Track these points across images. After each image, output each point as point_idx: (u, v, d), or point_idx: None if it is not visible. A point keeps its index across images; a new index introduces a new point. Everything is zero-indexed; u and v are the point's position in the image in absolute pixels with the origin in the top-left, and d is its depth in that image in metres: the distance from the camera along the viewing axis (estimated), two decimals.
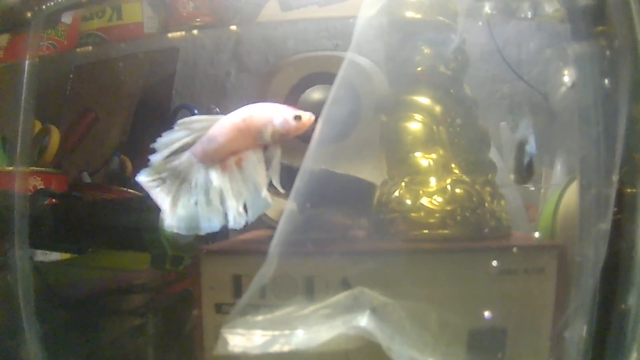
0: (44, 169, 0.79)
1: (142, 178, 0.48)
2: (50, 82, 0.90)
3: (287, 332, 0.43)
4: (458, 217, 0.57)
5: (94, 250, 0.63)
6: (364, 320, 0.42)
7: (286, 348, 0.42)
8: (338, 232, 0.54)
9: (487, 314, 0.54)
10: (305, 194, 0.52)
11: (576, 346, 0.50)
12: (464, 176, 0.59)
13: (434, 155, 0.59)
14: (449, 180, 0.58)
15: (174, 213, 0.47)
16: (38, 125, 0.82)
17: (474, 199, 0.58)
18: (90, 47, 0.82)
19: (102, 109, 0.88)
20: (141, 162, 0.84)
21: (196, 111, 0.75)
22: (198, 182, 0.49)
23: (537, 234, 0.68)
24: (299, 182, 0.49)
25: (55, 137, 0.80)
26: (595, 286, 0.45)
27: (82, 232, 0.62)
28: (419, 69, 0.62)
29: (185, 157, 0.49)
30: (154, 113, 0.87)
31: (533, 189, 0.70)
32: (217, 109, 0.75)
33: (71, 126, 0.84)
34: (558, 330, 0.53)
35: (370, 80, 0.69)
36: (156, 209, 0.53)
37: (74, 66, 0.89)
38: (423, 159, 0.59)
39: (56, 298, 0.62)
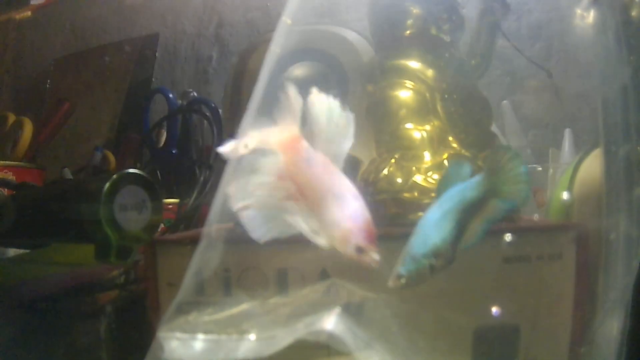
0: (15, 162, 0.66)
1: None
2: (31, 77, 0.78)
3: (235, 336, 0.30)
4: None
5: (44, 244, 0.50)
6: (330, 323, 0.28)
7: (231, 357, 0.29)
8: None
9: (494, 310, 0.40)
10: None
11: (605, 348, 0.36)
12: (462, 150, 0.45)
13: (427, 127, 0.46)
14: (445, 155, 0.45)
15: None
16: (12, 118, 0.70)
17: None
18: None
19: (85, 103, 0.76)
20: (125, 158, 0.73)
21: (171, 95, 0.62)
22: None
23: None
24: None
25: (28, 129, 0.68)
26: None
27: (29, 225, 0.48)
28: (408, 32, 0.49)
29: None
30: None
31: (540, 168, 0.56)
32: (194, 93, 0.62)
33: (45, 117, 0.71)
34: (580, 328, 0.39)
35: (357, 54, 0.57)
36: (97, 195, 0.40)
37: (53, 59, 0.77)
38: (415, 132, 0.46)
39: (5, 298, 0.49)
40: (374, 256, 0.31)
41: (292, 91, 0.32)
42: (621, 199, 0.33)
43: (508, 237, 0.41)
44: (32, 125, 0.69)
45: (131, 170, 0.43)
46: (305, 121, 0.32)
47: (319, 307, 0.30)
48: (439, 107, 0.47)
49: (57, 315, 0.50)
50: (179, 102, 0.64)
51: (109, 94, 0.76)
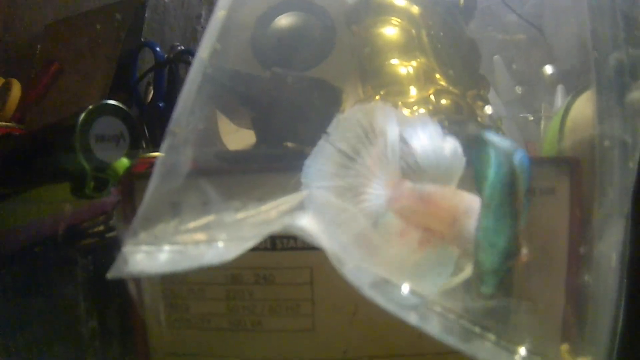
0: (3, 123, 0.64)
1: None
2: (21, 43, 0.76)
3: (202, 245, 0.27)
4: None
5: (23, 190, 0.48)
6: (304, 219, 0.26)
7: (196, 263, 0.26)
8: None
9: None
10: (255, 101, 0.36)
11: (602, 284, 0.33)
12: (450, 87, 0.43)
13: (413, 63, 0.44)
14: (432, 90, 0.42)
15: None
16: (1, 81, 0.68)
17: (464, 111, 0.42)
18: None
19: (76, 69, 0.74)
20: None
21: (158, 49, 0.60)
22: None
23: None
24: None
25: (16, 90, 0.67)
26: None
27: (11, 172, 0.46)
28: None
29: None
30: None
31: (532, 118, 0.53)
32: (181, 47, 0.60)
33: (34, 78, 0.69)
34: (576, 263, 0.37)
35: (344, 3, 0.55)
36: (73, 126, 0.38)
37: (44, 25, 0.75)
38: (401, 67, 0.44)
39: None
40: (525, 251, 0.29)
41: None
42: (613, 105, 0.31)
43: None
44: (21, 87, 0.68)
45: (108, 102, 0.41)
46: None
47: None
48: (425, 44, 0.45)
49: (34, 264, 0.48)
50: (166, 56, 0.62)
51: (100, 60, 0.74)
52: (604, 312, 0.34)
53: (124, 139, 0.41)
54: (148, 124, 0.57)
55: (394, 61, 0.44)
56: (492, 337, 0.30)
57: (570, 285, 0.38)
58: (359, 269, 0.25)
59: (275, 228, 0.26)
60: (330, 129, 0.32)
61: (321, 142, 0.31)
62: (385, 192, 0.30)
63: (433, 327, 0.27)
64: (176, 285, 0.39)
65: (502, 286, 0.29)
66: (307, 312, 0.38)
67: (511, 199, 0.29)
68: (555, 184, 0.38)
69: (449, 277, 0.29)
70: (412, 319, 0.26)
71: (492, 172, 0.28)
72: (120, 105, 0.41)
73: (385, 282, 0.26)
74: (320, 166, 0.31)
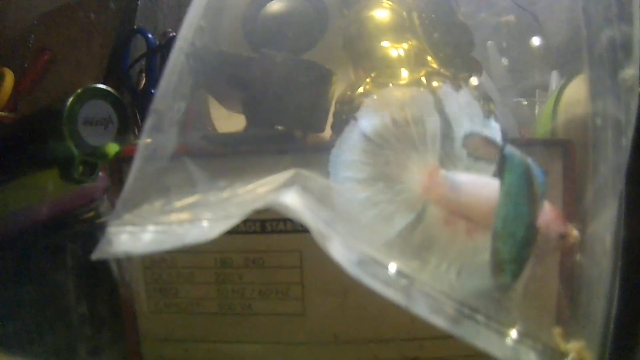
0: None
1: None
2: (15, 32, 0.75)
3: (187, 224, 0.27)
4: None
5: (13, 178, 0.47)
6: (288, 196, 0.25)
7: (180, 242, 0.26)
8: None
9: None
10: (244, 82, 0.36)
11: (596, 266, 0.33)
12: (442, 70, 0.42)
13: (405, 45, 0.43)
14: (423, 72, 0.41)
15: None
16: None
17: None
18: None
19: (70, 58, 0.73)
20: None
21: (150, 35, 0.59)
22: None
23: None
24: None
25: (9, 79, 0.66)
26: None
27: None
28: None
29: None
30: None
31: (526, 103, 0.53)
32: (174, 33, 0.59)
33: (27, 67, 0.68)
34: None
35: None
36: (59, 113, 0.37)
37: (38, 14, 0.74)
38: (392, 49, 0.43)
39: None
40: (575, 233, 0.29)
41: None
42: (606, 83, 0.30)
43: None
44: (14, 76, 0.67)
45: (97, 85, 0.40)
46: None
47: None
48: (416, 26, 0.44)
49: (23, 252, 0.47)
50: (158, 43, 0.61)
51: (93, 48, 0.73)
52: (598, 294, 0.34)
53: (113, 123, 0.40)
54: (140, 110, 0.56)
55: (385, 43, 0.43)
56: (482, 318, 0.29)
57: (564, 267, 0.37)
58: (344, 246, 0.25)
59: (258, 205, 0.26)
60: (358, 115, 0.30)
61: (348, 129, 0.30)
62: (421, 180, 0.29)
63: (421, 308, 0.26)
64: (165, 269, 0.39)
65: (519, 275, 0.29)
66: (297, 296, 0.37)
67: (529, 187, 0.29)
68: (548, 166, 0.38)
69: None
70: (399, 298, 0.25)
71: (508, 163, 0.28)
72: (109, 89, 0.40)
73: (372, 260, 0.26)
74: (347, 156, 0.29)
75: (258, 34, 0.49)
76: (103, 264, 0.43)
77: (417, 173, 0.29)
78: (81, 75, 0.77)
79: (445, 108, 0.30)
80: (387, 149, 0.30)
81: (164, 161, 0.29)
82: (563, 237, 0.29)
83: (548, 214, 0.29)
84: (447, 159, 0.30)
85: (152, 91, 0.59)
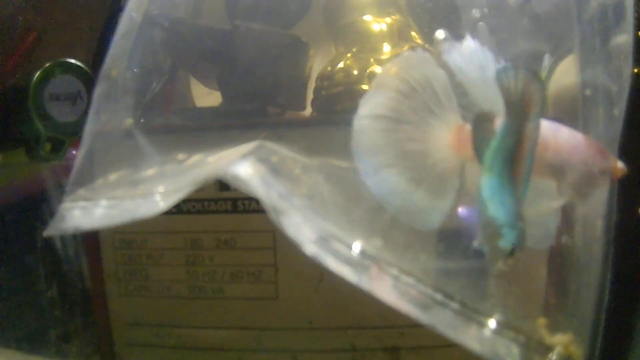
0: None
1: None
2: (4, 16, 0.73)
3: (139, 198, 0.25)
4: None
5: None
6: (241, 167, 0.23)
7: (129, 217, 0.24)
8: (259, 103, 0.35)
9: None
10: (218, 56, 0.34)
11: (586, 251, 0.30)
12: (426, 45, 0.40)
13: (388, 20, 0.41)
14: (406, 47, 0.39)
15: None
16: None
17: None
18: None
19: (59, 41, 0.71)
20: None
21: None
22: None
23: None
24: None
25: None
26: None
27: None
28: None
29: None
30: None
31: None
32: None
33: (12, 48, 0.67)
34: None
35: None
36: (25, 88, 0.35)
37: None
38: (374, 24, 0.40)
39: None
40: (620, 166, 0.26)
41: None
42: (596, 52, 0.28)
43: None
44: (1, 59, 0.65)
45: (66, 59, 0.38)
46: None
47: None
48: (400, 1, 0.42)
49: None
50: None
51: (82, 31, 0.72)
52: (588, 282, 0.31)
53: (82, 98, 0.38)
54: None
55: (367, 17, 0.41)
56: (456, 306, 0.27)
57: (552, 251, 0.35)
58: (301, 222, 0.23)
59: (207, 175, 0.24)
60: (361, 103, 0.26)
61: (355, 124, 0.26)
62: (449, 143, 0.26)
63: (386, 292, 0.24)
64: (135, 250, 0.37)
65: (522, 239, 0.26)
66: (269, 279, 0.36)
67: (517, 164, 0.25)
68: None
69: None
70: (362, 281, 0.23)
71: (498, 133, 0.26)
72: (78, 63, 0.39)
73: (333, 238, 0.24)
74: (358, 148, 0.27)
75: (241, 10, 0.47)
76: (72, 246, 0.41)
77: (443, 138, 0.27)
78: (69, 57, 0.75)
79: (449, 62, 0.27)
80: (404, 123, 0.27)
81: (118, 133, 0.27)
82: (604, 173, 0.26)
83: (587, 149, 0.26)
84: (467, 113, 0.27)
85: (135, 70, 0.57)
